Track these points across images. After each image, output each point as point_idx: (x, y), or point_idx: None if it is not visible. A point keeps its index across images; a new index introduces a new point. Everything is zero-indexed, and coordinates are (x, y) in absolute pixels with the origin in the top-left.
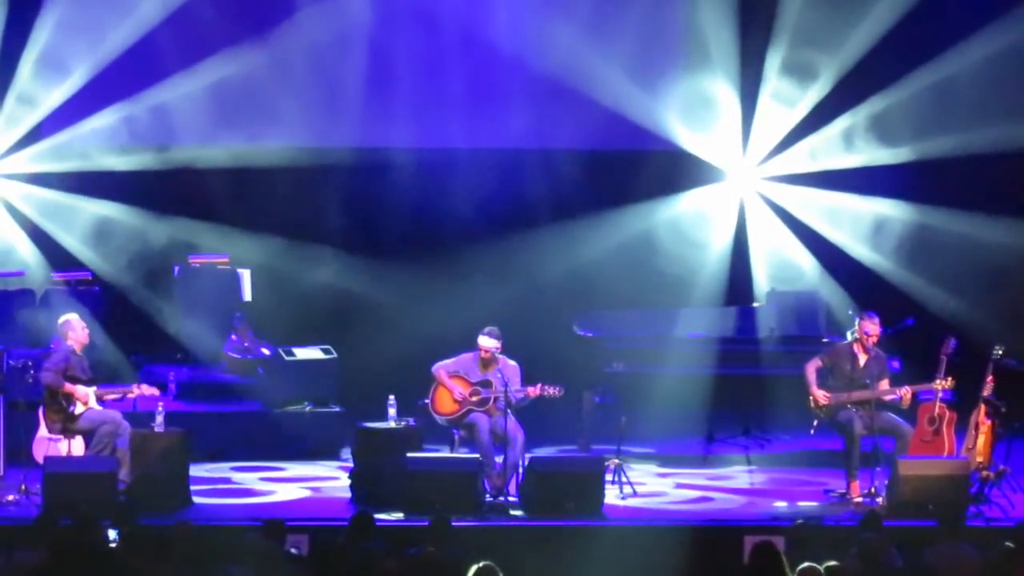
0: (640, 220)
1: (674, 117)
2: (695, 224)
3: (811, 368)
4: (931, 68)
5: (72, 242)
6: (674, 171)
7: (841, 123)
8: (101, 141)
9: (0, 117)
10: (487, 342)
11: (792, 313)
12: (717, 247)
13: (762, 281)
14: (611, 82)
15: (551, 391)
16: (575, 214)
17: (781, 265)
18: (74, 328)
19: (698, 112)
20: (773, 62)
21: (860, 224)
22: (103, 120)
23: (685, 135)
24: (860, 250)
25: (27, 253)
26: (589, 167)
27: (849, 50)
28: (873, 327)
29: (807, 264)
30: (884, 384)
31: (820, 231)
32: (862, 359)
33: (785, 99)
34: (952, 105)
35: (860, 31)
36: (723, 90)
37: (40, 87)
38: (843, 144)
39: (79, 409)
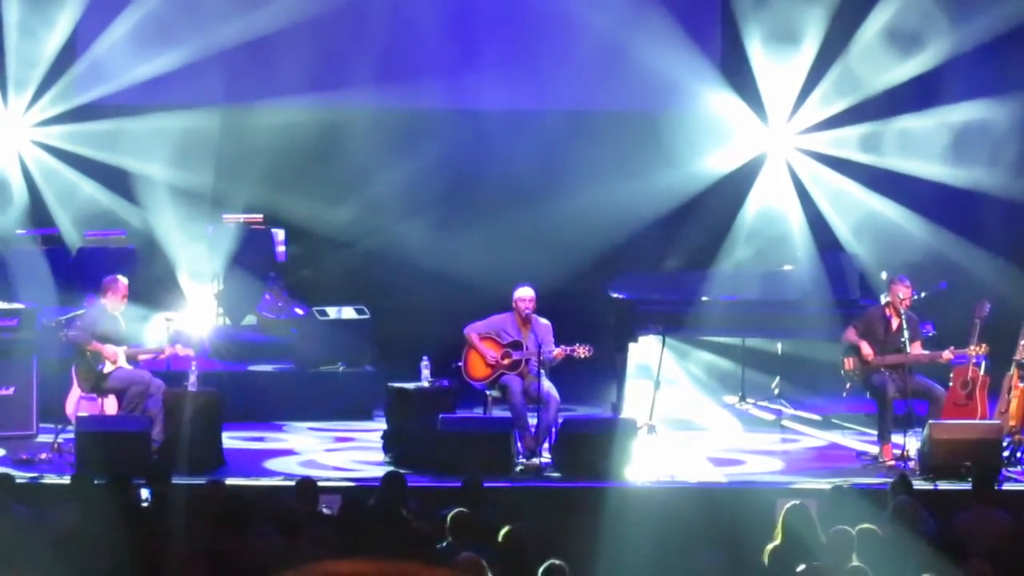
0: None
1: (695, 154)
2: (766, 221)
3: (850, 333)
4: None
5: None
6: (722, 196)
7: (855, 49)
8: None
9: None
10: (525, 292)
11: (826, 276)
12: (793, 218)
13: (848, 236)
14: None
15: (581, 351)
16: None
17: (861, 215)
18: (116, 290)
19: (710, 135)
20: (752, 39)
21: (929, 144)
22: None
23: (712, 161)
24: (941, 170)
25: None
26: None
27: None
28: (904, 290)
29: (886, 208)
30: (916, 347)
31: (892, 166)
32: (895, 323)
33: (782, 57)
34: None
35: None
36: (722, 101)
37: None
38: (866, 70)
39: (108, 368)
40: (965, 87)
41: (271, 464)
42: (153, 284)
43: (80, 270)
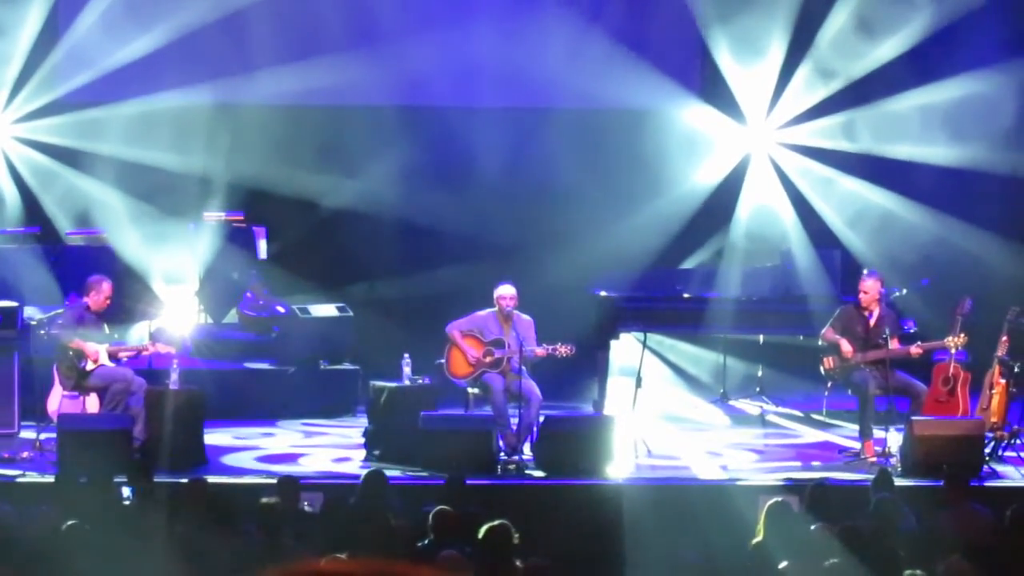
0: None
1: (686, 175)
2: (757, 221)
3: (829, 333)
4: None
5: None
6: (715, 209)
7: (823, 43)
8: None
9: None
10: (507, 290)
11: (808, 272)
12: (783, 214)
13: (840, 227)
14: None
15: (563, 350)
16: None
17: (851, 205)
18: (100, 290)
19: (695, 149)
20: (719, 44)
21: (916, 125)
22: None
23: (701, 176)
24: (931, 151)
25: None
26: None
27: None
28: (870, 283)
29: (876, 196)
30: (894, 343)
31: (885, 154)
32: (872, 319)
33: (752, 54)
34: None
35: None
36: (701, 113)
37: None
38: (839, 57)
39: (90, 366)
40: (951, 62)
41: (253, 462)
42: (129, 293)
43: (61, 269)
